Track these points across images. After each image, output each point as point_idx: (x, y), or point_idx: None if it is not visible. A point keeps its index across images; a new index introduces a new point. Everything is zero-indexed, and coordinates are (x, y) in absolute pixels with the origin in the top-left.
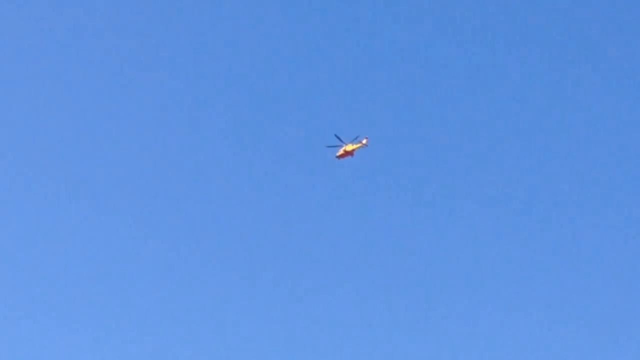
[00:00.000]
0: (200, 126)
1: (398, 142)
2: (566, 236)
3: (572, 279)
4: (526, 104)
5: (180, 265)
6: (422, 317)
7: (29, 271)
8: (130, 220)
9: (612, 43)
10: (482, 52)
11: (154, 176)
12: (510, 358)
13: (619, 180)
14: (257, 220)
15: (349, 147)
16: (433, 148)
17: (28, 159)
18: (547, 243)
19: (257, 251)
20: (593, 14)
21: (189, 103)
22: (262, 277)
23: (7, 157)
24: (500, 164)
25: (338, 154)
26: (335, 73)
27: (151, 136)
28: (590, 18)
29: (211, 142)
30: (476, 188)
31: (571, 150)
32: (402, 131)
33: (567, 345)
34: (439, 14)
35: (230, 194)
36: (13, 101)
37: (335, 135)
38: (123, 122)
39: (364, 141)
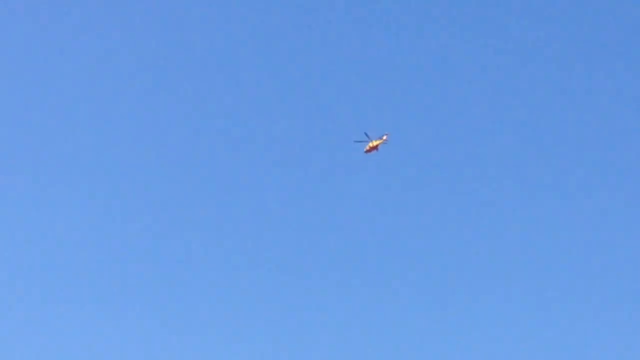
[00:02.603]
0: (214, 122)
1: (414, 138)
2: (581, 239)
3: (583, 281)
4: (538, 102)
5: (199, 264)
6: (441, 315)
7: (28, 270)
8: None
9: (612, 43)
10: (495, 52)
11: (169, 176)
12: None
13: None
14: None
15: (373, 143)
16: (447, 145)
17: (28, 158)
18: (565, 244)
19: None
20: (593, 14)
21: (202, 100)
22: (280, 275)
23: (7, 157)
24: (514, 162)
25: (365, 149)
26: (349, 70)
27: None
28: (590, 18)
29: (225, 138)
30: (484, 186)
31: (583, 153)
32: (418, 127)
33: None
34: (453, 11)
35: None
36: (13, 101)
37: (365, 133)
38: (127, 122)
39: (385, 137)
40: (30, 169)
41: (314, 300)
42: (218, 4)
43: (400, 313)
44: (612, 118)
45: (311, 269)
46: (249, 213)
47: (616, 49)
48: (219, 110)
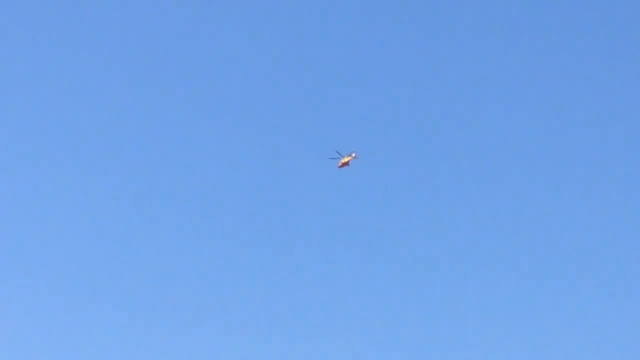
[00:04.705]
0: (204, 129)
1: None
2: (578, 248)
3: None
4: (521, 102)
5: (184, 266)
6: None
7: (30, 271)
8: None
9: (612, 43)
10: (482, 58)
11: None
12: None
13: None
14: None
15: (345, 159)
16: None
17: (28, 157)
18: (550, 248)
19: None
20: (593, 14)
21: (193, 107)
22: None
23: (8, 157)
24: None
25: (339, 165)
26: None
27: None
28: (589, 17)
29: (219, 144)
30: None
31: (574, 156)
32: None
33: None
34: (439, 19)
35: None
36: (13, 102)
37: (336, 152)
38: (128, 122)
39: (354, 154)
40: (29, 168)
41: (311, 300)
42: (218, 5)
43: (399, 313)
44: (612, 119)
45: (308, 269)
46: (243, 213)
47: (617, 49)
48: (212, 114)
